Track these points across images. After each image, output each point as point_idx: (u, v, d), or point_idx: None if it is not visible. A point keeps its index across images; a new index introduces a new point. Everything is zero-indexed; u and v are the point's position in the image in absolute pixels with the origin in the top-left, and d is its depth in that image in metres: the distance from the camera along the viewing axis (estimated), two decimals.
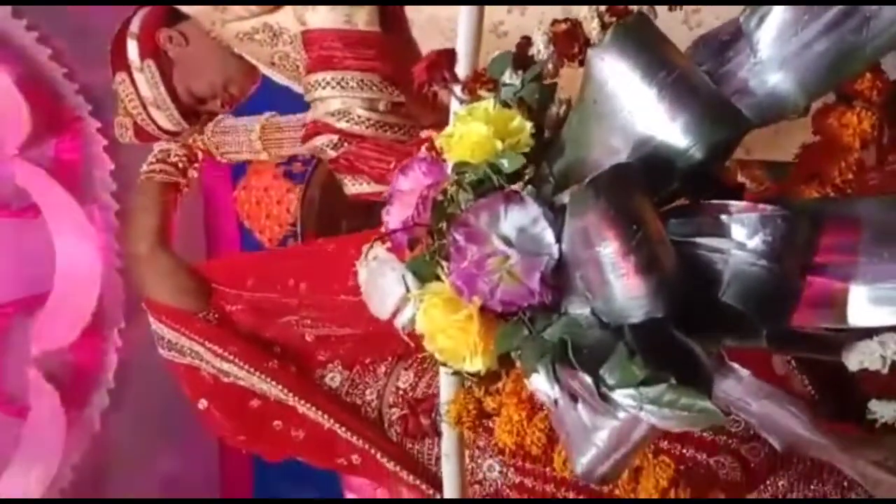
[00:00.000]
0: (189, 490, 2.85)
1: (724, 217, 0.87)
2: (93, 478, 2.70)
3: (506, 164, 0.92)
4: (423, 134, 1.69)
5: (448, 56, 1.10)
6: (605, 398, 0.84)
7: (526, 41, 1.06)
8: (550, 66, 1.05)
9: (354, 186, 1.78)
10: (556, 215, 0.92)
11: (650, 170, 0.87)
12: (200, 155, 2.08)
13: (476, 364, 0.95)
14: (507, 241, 0.91)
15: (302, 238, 2.55)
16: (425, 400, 1.50)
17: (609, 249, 0.83)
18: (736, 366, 0.91)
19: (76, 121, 2.80)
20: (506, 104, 1.02)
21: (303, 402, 1.65)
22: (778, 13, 0.90)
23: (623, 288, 0.83)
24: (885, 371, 0.86)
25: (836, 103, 0.93)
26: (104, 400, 2.74)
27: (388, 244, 1.02)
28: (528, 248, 0.90)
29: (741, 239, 0.86)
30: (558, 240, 0.90)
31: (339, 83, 1.75)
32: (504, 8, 1.69)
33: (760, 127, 0.89)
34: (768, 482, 1.22)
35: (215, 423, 1.80)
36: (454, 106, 1.10)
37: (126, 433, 2.74)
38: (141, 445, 2.75)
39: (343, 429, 1.62)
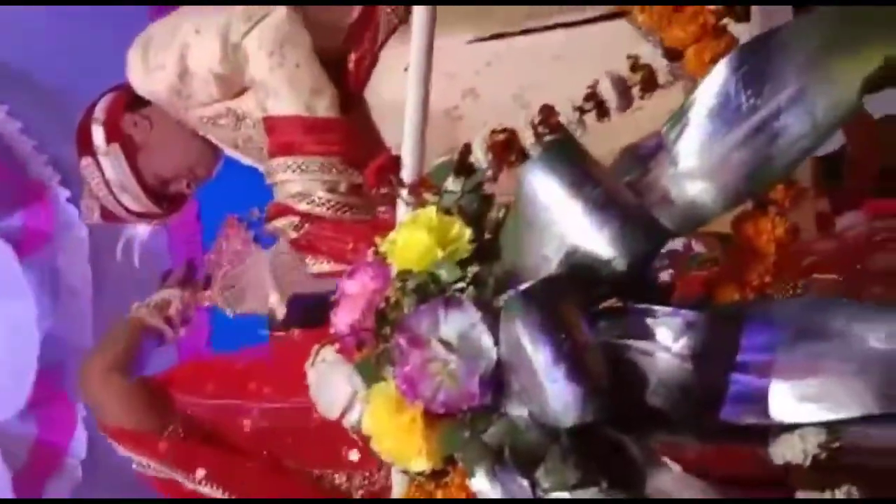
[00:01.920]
0: None
1: (649, 320, 0.92)
2: None
3: (444, 275, 0.97)
4: (381, 211, 1.73)
5: (395, 161, 1.16)
6: (541, 501, 0.88)
7: (466, 149, 1.12)
8: (490, 172, 1.11)
9: (315, 266, 1.82)
10: (494, 319, 0.96)
11: (578, 278, 0.92)
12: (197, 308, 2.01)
13: (421, 464, 0.99)
14: (447, 346, 0.96)
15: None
16: (382, 492, 1.53)
17: (540, 357, 0.88)
18: (667, 460, 0.95)
19: (45, 190, 2.83)
20: (448, 210, 1.08)
21: None
22: (695, 127, 0.97)
23: (555, 394, 0.88)
24: (806, 464, 0.90)
25: (753, 211, 0.99)
26: (73, 475, 2.71)
27: (337, 346, 1.06)
28: (467, 353, 0.95)
29: (666, 342, 0.91)
30: (496, 343, 0.95)
31: (299, 167, 1.80)
32: (458, 92, 1.76)
33: (680, 235, 0.94)
34: None
35: None
36: (400, 208, 1.16)
37: None
38: None
39: None
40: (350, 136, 1.80)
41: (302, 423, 1.60)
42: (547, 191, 0.93)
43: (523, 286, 0.92)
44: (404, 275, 0.99)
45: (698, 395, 0.89)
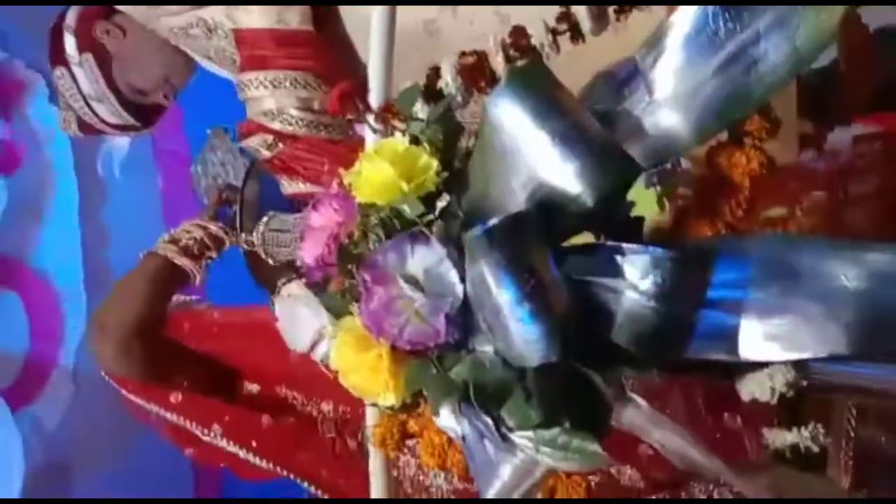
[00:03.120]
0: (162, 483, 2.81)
1: (618, 258, 0.90)
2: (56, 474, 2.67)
3: (407, 210, 0.94)
4: (358, 130, 1.68)
5: (360, 85, 1.11)
6: (504, 438, 0.88)
7: (434, 73, 1.07)
8: (459, 98, 1.07)
9: (290, 186, 1.79)
10: (461, 254, 0.94)
11: (545, 214, 0.89)
12: (227, 243, 1.81)
13: (388, 400, 0.98)
14: (413, 282, 0.94)
15: (241, 218, 2.47)
16: (352, 422, 1.53)
17: (504, 297, 0.86)
18: (635, 396, 0.95)
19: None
20: (415, 139, 1.04)
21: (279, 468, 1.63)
22: (671, 54, 0.92)
23: (519, 333, 0.86)
24: (773, 402, 0.90)
25: (727, 142, 0.95)
26: (63, 391, 2.72)
27: (304, 280, 1.04)
28: (433, 289, 0.93)
29: (633, 280, 0.88)
30: (462, 280, 0.93)
31: (271, 83, 1.74)
32: (436, 6, 1.69)
33: (651, 169, 0.91)
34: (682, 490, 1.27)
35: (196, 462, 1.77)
36: (367, 136, 1.12)
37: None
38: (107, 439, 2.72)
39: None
40: (324, 51, 1.74)
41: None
42: (513, 121, 0.89)
43: (488, 224, 0.89)
44: (368, 209, 0.96)
45: (664, 333, 0.88)
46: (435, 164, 0.98)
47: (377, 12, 1.15)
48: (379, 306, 0.94)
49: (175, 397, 1.67)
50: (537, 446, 0.86)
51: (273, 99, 1.74)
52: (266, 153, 1.76)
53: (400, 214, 0.94)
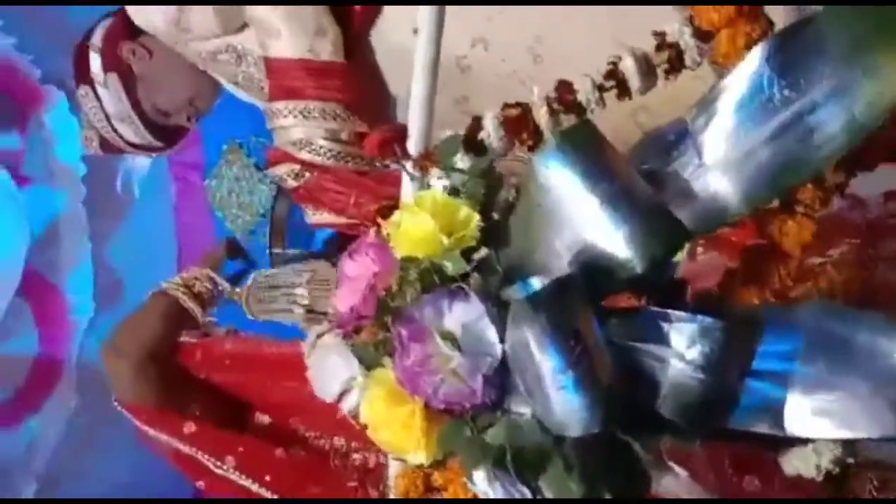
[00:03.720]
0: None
1: (664, 324, 0.88)
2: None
3: (449, 267, 0.92)
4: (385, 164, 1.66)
5: (400, 132, 1.09)
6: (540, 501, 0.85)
7: (476, 123, 1.06)
8: (501, 148, 1.05)
9: (315, 216, 1.77)
10: (500, 312, 0.92)
11: (592, 278, 0.87)
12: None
13: (419, 458, 0.96)
14: (451, 339, 0.92)
15: (271, 234, 2.48)
16: (375, 470, 1.51)
17: (547, 364, 0.84)
18: (674, 465, 0.93)
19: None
20: (455, 191, 1.02)
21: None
22: (723, 117, 0.90)
23: (561, 402, 0.84)
24: (819, 479, 0.88)
25: (779, 209, 0.93)
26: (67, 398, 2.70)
27: (337, 330, 1.02)
28: (472, 348, 0.91)
29: (680, 349, 0.86)
30: (502, 339, 0.91)
31: (301, 112, 1.73)
32: (468, 40, 1.67)
33: (702, 234, 0.89)
34: None
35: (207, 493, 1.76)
36: (405, 183, 1.10)
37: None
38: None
39: None
40: (354, 82, 1.72)
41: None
42: (562, 183, 0.87)
43: (531, 286, 0.87)
44: (407, 262, 0.94)
45: (710, 405, 0.86)
46: (476, 217, 0.96)
47: (420, 55, 1.13)
48: (415, 363, 0.92)
49: (188, 428, 1.66)
50: None
51: (302, 129, 1.72)
52: (293, 182, 1.75)
53: (439, 269, 0.92)
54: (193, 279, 1.81)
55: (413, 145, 1.09)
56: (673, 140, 0.93)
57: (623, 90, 1.01)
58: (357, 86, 1.74)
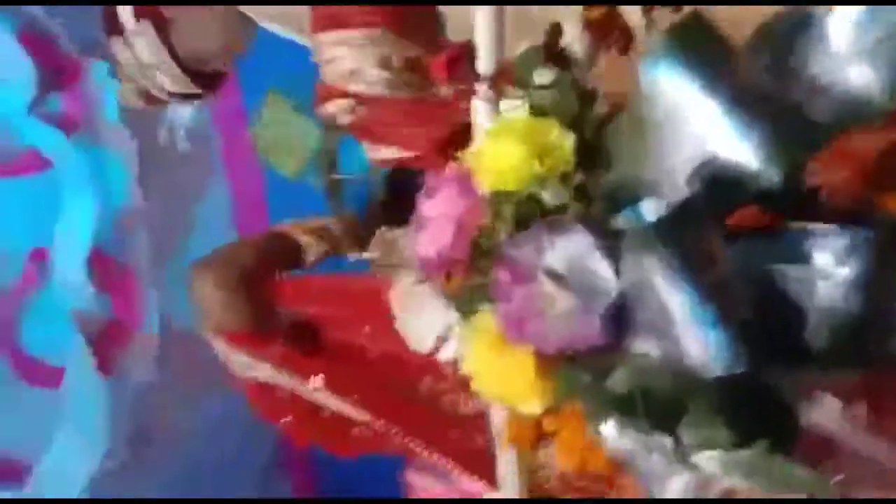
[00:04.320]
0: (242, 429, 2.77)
1: (805, 242, 0.76)
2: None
3: (548, 198, 0.82)
4: (443, 91, 1.55)
5: (468, 49, 0.98)
6: (682, 458, 0.76)
7: (555, 29, 0.93)
8: (586, 56, 0.93)
9: (376, 153, 1.67)
10: (611, 242, 0.81)
11: (717, 195, 0.76)
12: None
13: (533, 408, 0.87)
14: (556, 277, 0.82)
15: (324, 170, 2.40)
16: (473, 416, 1.42)
17: (678, 299, 0.73)
18: (826, 396, 0.82)
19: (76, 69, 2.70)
20: (540, 110, 0.91)
21: (383, 422, 1.55)
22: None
23: (698, 341, 0.74)
24: None
25: None
26: (147, 353, 2.68)
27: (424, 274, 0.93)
28: (582, 285, 0.81)
29: (828, 268, 0.75)
30: (617, 272, 0.80)
31: (347, 42, 1.61)
32: None
33: (840, 133, 0.77)
34: None
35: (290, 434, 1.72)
36: (478, 108, 0.98)
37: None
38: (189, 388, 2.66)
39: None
40: (401, 5, 1.59)
41: None
42: (674, 90, 0.75)
43: (645, 215, 0.76)
44: (498, 198, 0.83)
45: (868, 329, 0.75)
46: (570, 137, 0.85)
47: None
48: (519, 308, 0.82)
49: (276, 350, 1.57)
50: (727, 469, 0.74)
51: (351, 59, 1.60)
52: (346, 118, 1.63)
53: (537, 201, 0.82)
54: (320, 226, 1.69)
55: (484, 63, 0.97)
56: (793, 28, 0.80)
57: None
58: (404, 8, 1.61)
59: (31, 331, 2.64)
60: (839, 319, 0.74)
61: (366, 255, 1.56)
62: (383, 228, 1.64)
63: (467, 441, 1.45)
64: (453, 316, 0.91)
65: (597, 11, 0.91)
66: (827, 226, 0.75)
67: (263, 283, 1.64)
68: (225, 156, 3.03)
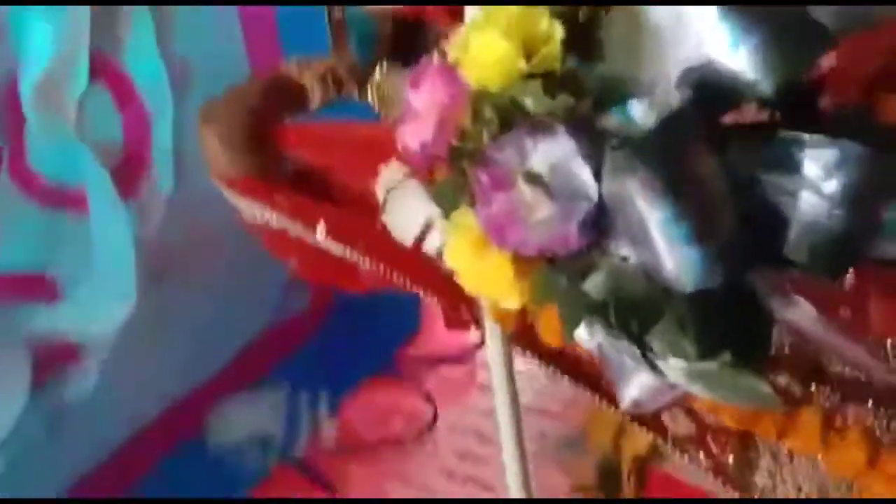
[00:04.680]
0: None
1: (796, 150, 0.73)
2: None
3: (530, 104, 0.78)
4: None
5: None
6: (651, 365, 0.77)
7: None
8: None
9: None
10: (595, 144, 0.78)
11: (709, 101, 0.71)
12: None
13: (512, 303, 0.87)
14: (537, 181, 0.79)
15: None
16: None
17: (656, 215, 0.71)
18: (801, 300, 0.81)
19: None
20: None
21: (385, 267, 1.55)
22: None
23: (673, 255, 0.72)
24: None
25: None
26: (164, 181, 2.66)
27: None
28: (563, 190, 0.78)
29: (815, 180, 0.72)
30: (598, 176, 0.78)
31: None
32: None
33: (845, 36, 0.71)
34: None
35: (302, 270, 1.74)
36: None
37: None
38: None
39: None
40: None
41: None
42: None
43: (633, 117, 0.73)
44: (480, 97, 0.80)
45: (850, 246, 0.73)
46: (560, 29, 0.80)
47: None
48: (499, 213, 0.81)
49: (281, 196, 1.57)
50: (690, 378, 0.75)
51: None
52: None
53: (519, 107, 0.78)
54: (325, 67, 1.63)
55: None
56: None
57: None
58: None
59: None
60: (821, 235, 0.72)
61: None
62: (376, 76, 1.60)
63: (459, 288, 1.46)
64: (435, 210, 0.90)
65: None
66: (818, 136, 0.71)
67: (268, 131, 1.64)
68: None
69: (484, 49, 0.80)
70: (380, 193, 0.95)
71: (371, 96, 1.61)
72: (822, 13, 0.70)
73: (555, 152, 0.79)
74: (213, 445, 2.67)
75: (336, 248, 1.59)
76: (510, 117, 0.79)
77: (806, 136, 0.72)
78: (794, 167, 0.73)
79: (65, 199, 2.52)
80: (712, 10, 0.69)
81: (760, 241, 0.74)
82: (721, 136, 0.76)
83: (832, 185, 0.71)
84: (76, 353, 2.46)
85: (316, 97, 1.63)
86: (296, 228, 1.58)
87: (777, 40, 0.68)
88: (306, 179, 1.65)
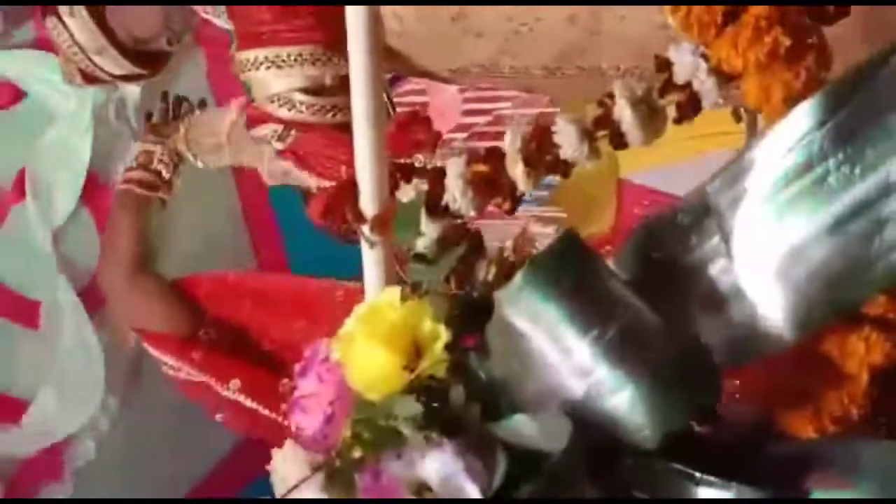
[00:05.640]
0: None
1: (689, 484, 0.68)
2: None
3: (409, 426, 0.73)
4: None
5: (347, 189, 0.86)
6: None
7: (437, 182, 0.81)
8: (470, 212, 0.81)
9: (307, 180, 1.53)
10: (486, 456, 0.73)
11: (594, 444, 0.66)
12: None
13: None
14: (425, 491, 0.74)
15: None
16: None
17: None
18: None
19: None
20: (421, 257, 0.81)
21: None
22: (758, 201, 0.64)
23: None
24: None
25: (839, 323, 0.68)
26: None
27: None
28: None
29: None
30: (485, 492, 0.73)
31: (273, 61, 1.46)
32: None
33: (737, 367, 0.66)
34: None
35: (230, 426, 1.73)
36: (365, 252, 0.88)
37: None
38: None
39: None
40: (328, 18, 1.43)
41: None
42: (539, 329, 0.65)
43: (520, 432, 0.68)
44: (360, 415, 0.75)
45: None
46: (444, 333, 0.75)
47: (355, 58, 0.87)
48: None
49: (196, 354, 1.63)
50: None
51: (276, 81, 1.47)
52: (278, 144, 1.51)
53: (397, 431, 0.73)
54: (147, 154, 1.71)
55: (367, 202, 0.86)
56: (691, 222, 0.68)
57: (619, 139, 0.74)
58: (333, 21, 1.44)
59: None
60: None
61: None
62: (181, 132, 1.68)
63: None
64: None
65: (482, 167, 0.79)
66: (712, 477, 0.66)
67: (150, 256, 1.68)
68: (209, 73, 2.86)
69: (368, 358, 0.75)
70: (275, 468, 0.89)
71: (184, 151, 1.67)
72: (709, 332, 0.65)
73: (443, 468, 0.74)
74: None
75: (249, 404, 1.58)
76: (392, 439, 0.74)
77: (700, 476, 0.67)
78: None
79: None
80: (584, 350, 0.64)
81: None
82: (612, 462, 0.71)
83: None
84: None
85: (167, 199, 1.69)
86: (212, 383, 1.60)
87: (660, 388, 0.63)
88: (223, 335, 1.65)
